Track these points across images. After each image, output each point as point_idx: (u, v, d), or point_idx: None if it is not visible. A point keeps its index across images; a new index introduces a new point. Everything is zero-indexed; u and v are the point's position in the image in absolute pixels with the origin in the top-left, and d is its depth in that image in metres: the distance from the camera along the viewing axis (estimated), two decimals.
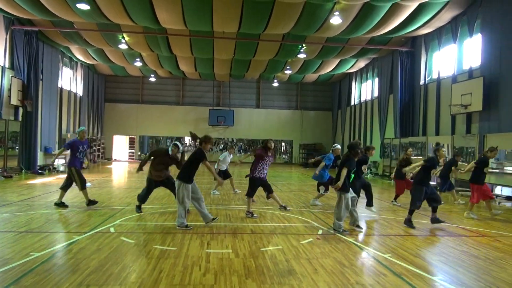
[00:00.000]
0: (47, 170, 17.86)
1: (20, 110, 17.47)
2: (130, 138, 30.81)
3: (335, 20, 14.05)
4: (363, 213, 8.82)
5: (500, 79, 12.81)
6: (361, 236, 6.87)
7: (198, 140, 7.20)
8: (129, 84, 29.70)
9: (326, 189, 10.26)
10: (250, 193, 8.45)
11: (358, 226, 7.26)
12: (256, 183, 8.37)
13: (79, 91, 24.85)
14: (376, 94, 22.76)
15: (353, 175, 7.21)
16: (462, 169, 10.39)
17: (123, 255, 5.31)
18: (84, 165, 9.36)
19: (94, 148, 25.81)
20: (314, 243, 6.24)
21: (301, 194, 12.53)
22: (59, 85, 21.44)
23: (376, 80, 22.71)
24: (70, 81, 23.62)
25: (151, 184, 8.36)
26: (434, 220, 7.71)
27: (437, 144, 12.04)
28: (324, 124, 30.80)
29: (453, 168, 10.93)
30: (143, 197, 8.42)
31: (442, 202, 7.83)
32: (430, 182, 7.84)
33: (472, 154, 13.56)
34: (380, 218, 8.67)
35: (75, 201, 9.66)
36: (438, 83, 16.73)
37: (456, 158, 11.29)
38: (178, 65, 23.54)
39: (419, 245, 6.34)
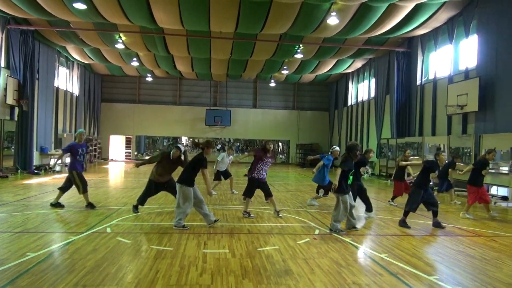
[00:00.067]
0: (43, 170, 17.78)
1: (16, 110, 17.39)
2: (126, 138, 30.72)
3: (332, 20, 14.08)
4: (359, 213, 8.84)
5: (496, 80, 12.87)
6: (357, 236, 6.88)
7: (200, 146, 7.13)
8: (125, 83, 29.62)
9: (326, 193, 10.27)
10: (248, 194, 8.44)
11: (355, 227, 7.28)
12: (254, 183, 8.36)
13: (76, 90, 24.76)
14: (372, 94, 22.81)
15: (351, 177, 7.19)
16: (461, 170, 10.43)
17: (120, 255, 5.30)
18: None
19: (91, 148, 25.73)
20: (311, 243, 6.24)
21: (298, 194, 12.54)
22: (55, 85, 21.35)
23: (373, 80, 22.76)
24: (67, 80, 23.52)
25: (151, 186, 8.30)
26: (436, 224, 7.71)
27: (438, 149, 12.11)
28: (321, 124, 30.83)
29: (450, 170, 10.96)
30: (142, 199, 8.39)
31: (439, 202, 7.86)
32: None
33: (468, 154, 13.61)
34: (376, 218, 8.69)
35: (71, 201, 9.62)
36: (435, 84, 16.79)
37: (455, 160, 11.31)
38: (175, 65, 23.50)
39: (416, 245, 6.36)
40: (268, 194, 8.49)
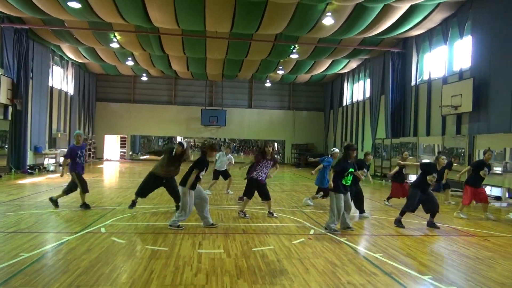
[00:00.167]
0: (37, 170, 17.68)
1: (10, 109, 17.26)
2: (121, 137, 30.60)
3: (328, 20, 14.12)
4: (354, 212, 8.86)
5: (490, 81, 12.97)
6: (352, 236, 6.90)
7: (203, 149, 7.16)
8: (120, 83, 29.50)
9: (324, 195, 10.29)
10: (247, 194, 8.44)
11: (349, 227, 7.30)
12: (253, 183, 8.36)
13: (70, 90, 24.62)
14: (368, 94, 22.88)
15: (350, 178, 7.18)
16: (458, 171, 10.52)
17: (114, 255, 5.27)
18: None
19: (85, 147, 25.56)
20: (306, 243, 6.25)
21: (293, 194, 12.55)
22: (50, 84, 21.22)
23: (368, 80, 22.84)
24: (61, 79, 23.39)
25: (150, 178, 8.30)
26: (430, 224, 7.74)
27: (439, 152, 12.22)
28: (316, 125, 30.89)
29: (446, 170, 11.00)
30: (140, 191, 8.34)
31: (439, 210, 7.87)
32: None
33: (462, 154, 13.70)
34: (371, 218, 8.72)
35: (65, 201, 9.55)
36: (429, 84, 16.88)
37: (452, 160, 11.37)
38: (170, 64, 23.44)
39: (410, 245, 6.39)
40: (265, 198, 8.45)
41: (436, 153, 14.29)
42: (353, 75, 25.75)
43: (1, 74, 16.41)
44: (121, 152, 30.77)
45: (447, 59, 15.78)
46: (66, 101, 24.04)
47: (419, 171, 7.97)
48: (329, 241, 6.40)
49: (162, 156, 8.42)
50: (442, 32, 15.77)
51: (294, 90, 30.92)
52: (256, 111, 30.54)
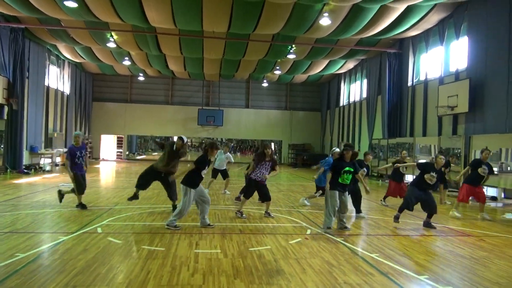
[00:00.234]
0: (33, 170, 17.60)
1: (6, 109, 17.17)
2: (118, 137, 30.52)
3: (325, 21, 14.15)
4: (351, 212, 8.88)
5: (486, 81, 13.03)
6: (349, 236, 6.92)
7: (204, 148, 7.26)
8: (117, 83, 29.43)
9: (323, 194, 10.31)
10: (245, 194, 8.51)
11: (346, 228, 7.32)
12: (252, 183, 8.41)
13: (66, 89, 24.53)
14: (364, 95, 22.94)
15: (348, 177, 7.19)
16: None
17: (111, 255, 5.26)
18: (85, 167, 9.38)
19: None
20: (303, 243, 6.26)
21: (290, 194, 12.57)
22: (46, 84, 21.12)
23: (365, 81, 22.90)
24: (57, 79, 23.30)
25: (149, 170, 8.47)
26: (427, 224, 7.77)
27: (440, 152, 12.28)
28: (313, 125, 30.93)
29: (443, 168, 11.04)
30: (139, 182, 8.44)
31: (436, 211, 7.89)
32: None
33: (458, 155, 13.75)
34: (368, 218, 8.74)
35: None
36: (426, 85, 16.94)
37: (450, 159, 11.41)
38: (167, 64, 23.40)
39: (406, 245, 6.41)
40: (264, 198, 8.50)
41: (433, 154, 14.37)
42: (350, 75, 25.80)
43: None
44: (117, 152, 30.69)
45: (443, 60, 15.84)
46: (63, 101, 23.94)
47: (418, 171, 8.02)
48: (325, 241, 6.41)
49: (163, 152, 8.56)
50: (438, 33, 15.83)
51: (291, 90, 30.95)
52: (253, 111, 30.54)
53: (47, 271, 4.60)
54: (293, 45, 19.08)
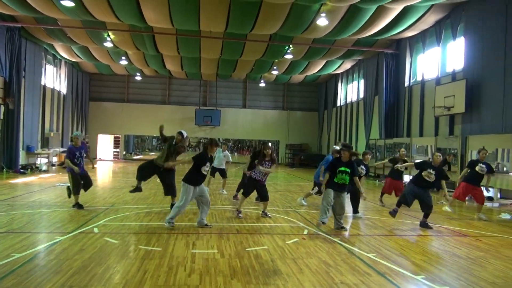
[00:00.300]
0: (29, 169, 17.53)
1: (2, 108, 17.09)
2: (115, 137, 30.44)
3: (322, 21, 14.16)
4: (348, 213, 8.89)
5: (482, 82, 13.08)
6: (346, 236, 6.93)
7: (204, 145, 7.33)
8: (114, 82, 29.34)
9: (319, 191, 10.32)
10: (244, 192, 8.55)
11: (343, 228, 7.33)
12: (250, 182, 8.45)
13: (63, 89, 24.44)
14: (361, 95, 22.98)
15: (345, 177, 7.20)
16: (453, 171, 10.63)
17: (107, 255, 5.24)
18: (92, 166, 9.62)
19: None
20: (300, 243, 6.26)
21: (287, 194, 12.58)
22: (42, 83, 21.04)
23: (362, 81, 22.94)
24: (54, 79, 23.20)
25: (149, 162, 8.58)
26: (423, 224, 7.79)
27: (437, 149, 12.30)
28: (310, 125, 30.96)
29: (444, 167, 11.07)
30: (138, 173, 8.49)
31: (432, 211, 7.92)
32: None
33: (455, 153, 13.80)
34: (365, 218, 8.75)
35: (58, 201, 9.51)
36: (422, 85, 16.99)
37: (447, 158, 11.43)
38: (164, 64, 23.36)
39: (403, 245, 6.43)
40: (263, 198, 8.53)
41: (430, 154, 14.41)
42: (347, 75, 25.85)
43: None
44: (114, 152, 30.61)
45: (440, 61, 15.89)
46: (59, 100, 23.85)
47: (416, 171, 8.08)
48: (322, 241, 6.42)
49: (163, 147, 8.66)
50: (435, 34, 15.88)
51: (288, 90, 30.96)
52: (251, 111, 30.54)
53: (43, 271, 4.58)
54: (291, 45, 19.09)
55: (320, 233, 6.99)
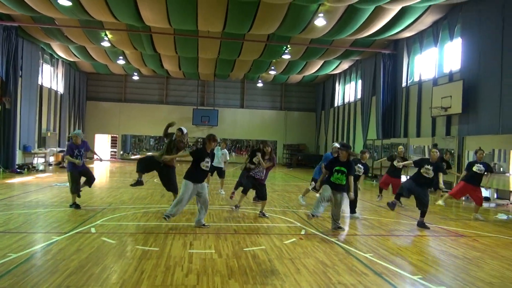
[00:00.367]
0: (26, 169, 17.45)
1: None
2: (112, 137, 30.38)
3: (320, 21, 14.17)
4: (345, 213, 8.90)
5: (479, 83, 13.13)
6: (343, 236, 6.94)
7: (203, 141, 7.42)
8: (111, 82, 29.29)
9: (315, 188, 10.36)
10: (244, 190, 8.78)
11: (340, 228, 7.34)
12: (251, 181, 8.57)
13: (60, 88, 24.37)
14: (359, 95, 23.02)
15: (341, 177, 7.19)
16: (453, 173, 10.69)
17: (104, 255, 5.23)
18: (99, 160, 9.92)
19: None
20: (297, 243, 6.27)
21: (284, 195, 12.58)
22: (39, 82, 20.98)
23: (359, 81, 22.97)
24: (51, 78, 23.14)
25: (149, 157, 8.77)
26: (420, 224, 7.82)
27: (433, 145, 12.34)
28: (307, 125, 30.99)
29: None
30: (139, 165, 8.51)
31: (428, 209, 7.95)
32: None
33: (452, 151, 13.81)
34: (362, 218, 8.77)
35: (54, 201, 9.48)
36: (420, 86, 17.03)
37: (444, 156, 11.44)
38: (162, 63, 23.34)
39: (400, 245, 6.44)
40: (261, 197, 8.59)
41: (427, 155, 14.43)
42: (345, 76, 25.88)
43: None
44: (112, 151, 30.54)
45: (437, 61, 15.94)
46: (56, 100, 23.78)
47: (415, 169, 8.16)
48: (320, 241, 6.42)
49: (164, 144, 8.74)
50: (432, 34, 15.92)
51: (286, 90, 30.98)
52: (248, 111, 30.54)
53: (40, 272, 4.57)
54: (288, 46, 19.11)
55: (318, 233, 7.00)
